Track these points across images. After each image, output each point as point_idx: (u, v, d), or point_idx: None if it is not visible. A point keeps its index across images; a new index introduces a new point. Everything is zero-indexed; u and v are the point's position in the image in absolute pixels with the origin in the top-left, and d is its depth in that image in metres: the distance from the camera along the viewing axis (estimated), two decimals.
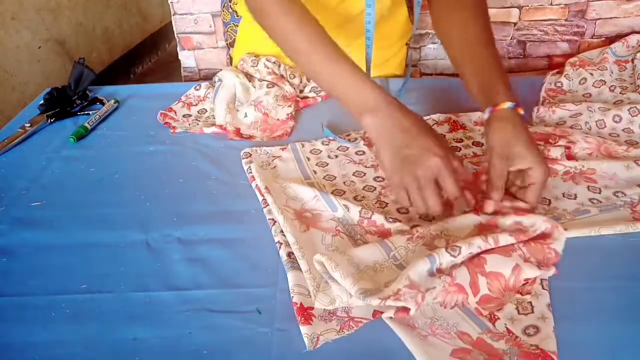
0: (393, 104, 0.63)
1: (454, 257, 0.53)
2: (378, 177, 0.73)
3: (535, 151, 0.61)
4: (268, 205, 0.66)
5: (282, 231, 0.62)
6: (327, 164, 0.76)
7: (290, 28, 0.70)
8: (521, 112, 0.64)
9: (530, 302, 0.51)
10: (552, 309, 0.51)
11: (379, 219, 0.62)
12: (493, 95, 0.65)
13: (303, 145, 0.80)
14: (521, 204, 0.62)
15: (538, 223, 0.58)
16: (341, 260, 0.53)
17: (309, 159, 0.77)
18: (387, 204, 0.67)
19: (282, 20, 0.71)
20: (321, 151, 0.79)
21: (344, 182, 0.72)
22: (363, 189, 0.70)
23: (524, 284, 0.53)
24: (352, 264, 0.54)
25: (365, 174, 0.73)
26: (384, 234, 0.61)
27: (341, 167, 0.75)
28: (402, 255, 0.57)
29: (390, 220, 0.62)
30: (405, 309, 0.49)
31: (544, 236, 0.58)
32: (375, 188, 0.70)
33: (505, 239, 0.55)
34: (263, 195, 0.68)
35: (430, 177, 0.59)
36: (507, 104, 0.63)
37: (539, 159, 0.60)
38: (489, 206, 0.60)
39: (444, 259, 0.53)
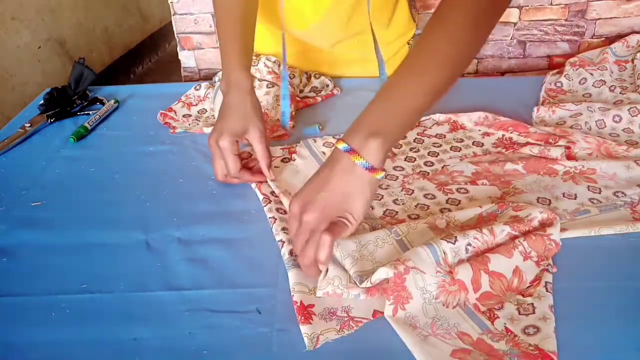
0: (235, 88, 0.71)
1: (452, 243, 0.54)
2: (397, 166, 0.74)
3: (302, 193, 0.55)
4: (269, 204, 0.66)
5: (283, 229, 0.62)
6: None
7: (215, 2, 0.78)
8: (354, 159, 0.53)
9: (532, 304, 0.51)
10: (553, 309, 0.51)
11: (401, 214, 0.64)
12: (351, 128, 0.56)
13: (315, 141, 0.80)
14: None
15: (534, 213, 0.59)
16: (343, 240, 0.55)
17: (324, 153, 0.77)
18: (412, 190, 0.68)
19: None
20: (334, 144, 0.79)
21: None
22: (386, 178, 0.71)
23: (528, 287, 0.53)
24: (354, 241, 0.56)
25: None
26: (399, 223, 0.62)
27: None
28: (404, 231, 0.58)
29: (414, 216, 0.63)
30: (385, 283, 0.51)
31: (543, 226, 0.58)
32: (398, 177, 0.71)
33: (500, 229, 0.56)
34: (264, 195, 0.68)
35: (216, 149, 0.69)
36: (342, 145, 0.54)
37: (296, 197, 0.55)
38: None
39: (444, 247, 0.53)
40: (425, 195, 0.67)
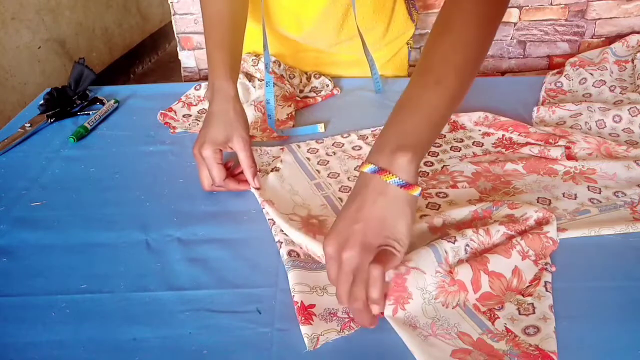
0: (218, 96, 0.71)
1: (452, 243, 0.54)
2: None
3: (336, 229, 0.49)
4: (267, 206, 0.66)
5: (282, 230, 0.62)
6: (328, 161, 0.76)
7: (203, 3, 0.77)
8: (385, 179, 0.49)
9: (532, 304, 0.51)
10: (553, 309, 0.51)
11: None
12: (373, 149, 0.52)
13: (299, 147, 0.80)
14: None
15: (529, 212, 0.59)
16: None
17: (309, 159, 0.77)
18: None
19: None
20: (318, 149, 0.79)
21: (348, 178, 0.72)
22: None
23: (527, 286, 0.53)
24: None
25: None
26: None
27: (342, 163, 0.75)
28: None
29: None
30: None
31: (540, 224, 0.59)
32: None
33: (496, 229, 0.57)
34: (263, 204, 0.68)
35: (199, 159, 0.68)
36: (369, 167, 0.50)
37: (330, 236, 0.49)
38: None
39: (445, 246, 0.53)
40: None
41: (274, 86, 0.91)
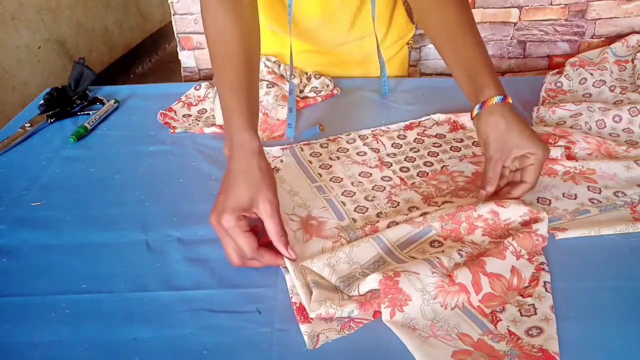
0: (238, 151, 0.60)
1: (442, 252, 0.55)
2: (385, 176, 0.73)
3: (530, 137, 0.63)
4: None
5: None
6: (331, 166, 0.76)
7: (210, 38, 0.70)
8: (509, 101, 0.65)
9: (533, 305, 0.51)
10: (554, 309, 0.51)
11: (382, 225, 0.63)
12: (481, 89, 0.65)
13: (302, 150, 0.80)
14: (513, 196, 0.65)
15: (513, 217, 0.60)
16: (318, 257, 0.56)
17: (310, 162, 0.76)
18: (398, 202, 0.67)
19: (206, 24, 0.70)
20: (321, 154, 0.79)
21: (352, 183, 0.71)
22: (373, 189, 0.70)
23: (526, 287, 0.53)
24: (326, 250, 0.57)
25: (371, 174, 0.73)
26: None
27: (345, 168, 0.75)
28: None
29: (394, 224, 0.63)
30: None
31: (529, 222, 0.59)
32: (385, 187, 0.70)
33: (481, 240, 0.58)
34: None
35: (220, 229, 0.56)
36: (496, 99, 0.64)
37: (536, 142, 0.62)
38: (482, 196, 0.65)
39: (437, 255, 0.54)
40: (409, 209, 0.66)
41: (273, 87, 0.91)
